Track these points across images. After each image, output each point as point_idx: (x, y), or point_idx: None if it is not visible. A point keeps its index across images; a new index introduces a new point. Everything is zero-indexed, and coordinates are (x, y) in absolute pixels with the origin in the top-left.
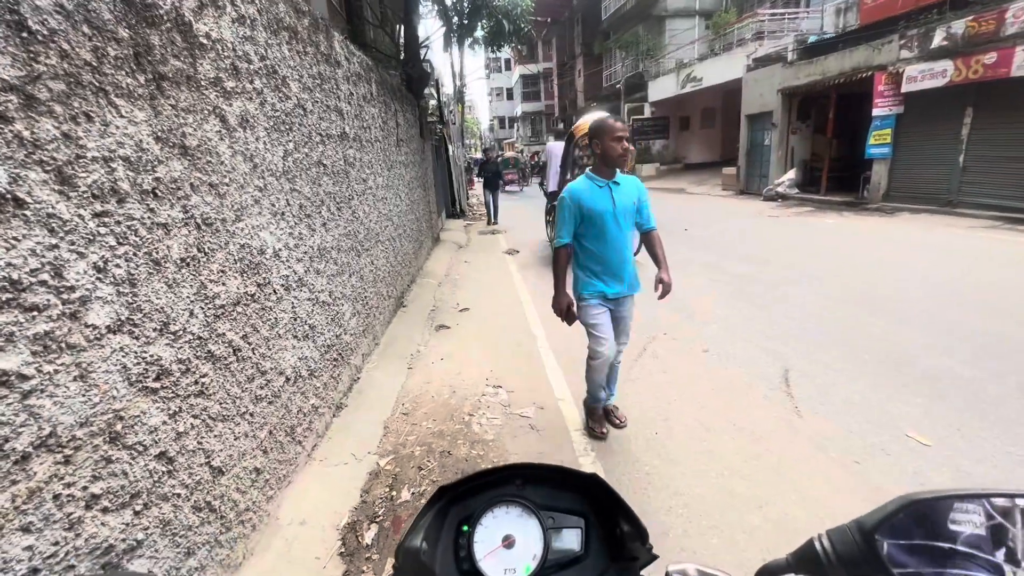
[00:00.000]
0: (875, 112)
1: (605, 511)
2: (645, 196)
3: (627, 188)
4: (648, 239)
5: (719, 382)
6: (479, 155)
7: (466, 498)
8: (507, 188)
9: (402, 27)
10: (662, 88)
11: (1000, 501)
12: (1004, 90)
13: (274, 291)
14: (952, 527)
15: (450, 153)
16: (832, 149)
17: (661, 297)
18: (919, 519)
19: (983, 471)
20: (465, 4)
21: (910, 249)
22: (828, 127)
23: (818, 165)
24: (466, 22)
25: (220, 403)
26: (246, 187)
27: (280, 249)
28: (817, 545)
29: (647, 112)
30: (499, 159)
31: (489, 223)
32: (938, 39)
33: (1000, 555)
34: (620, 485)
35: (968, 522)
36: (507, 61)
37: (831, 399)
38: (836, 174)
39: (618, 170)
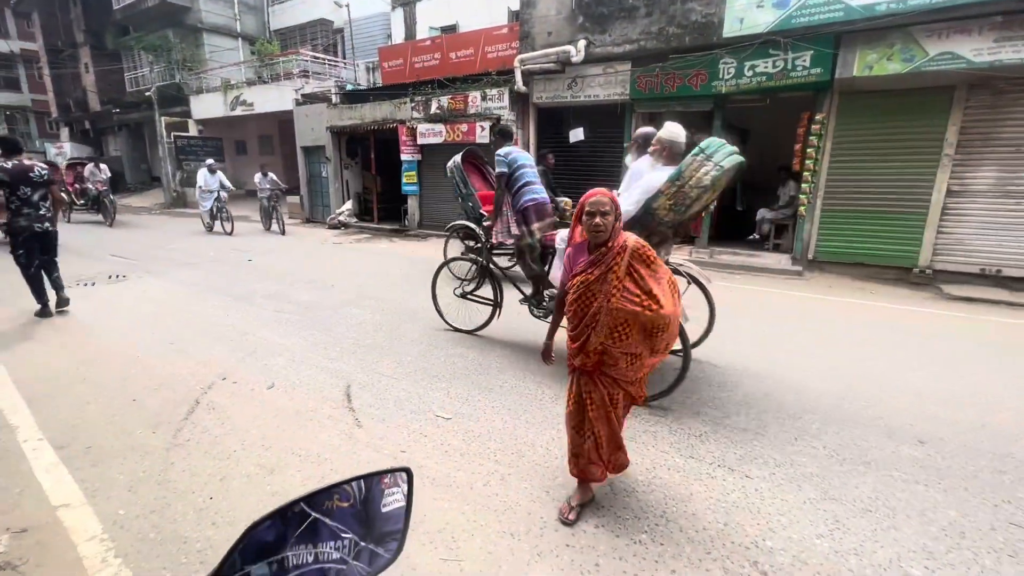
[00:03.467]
0: (403, 157)
1: None
2: None
3: None
4: None
5: (285, 416)
6: None
7: None
8: None
9: None
10: (208, 106)
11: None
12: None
13: None
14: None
15: None
16: (378, 184)
17: None
18: (258, 542)
19: (482, 427)
20: None
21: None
22: (372, 165)
23: (369, 197)
24: None
25: None
26: None
27: None
28: None
29: (193, 130)
30: None
31: None
32: (434, 107)
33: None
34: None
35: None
36: None
37: (385, 403)
38: (384, 205)
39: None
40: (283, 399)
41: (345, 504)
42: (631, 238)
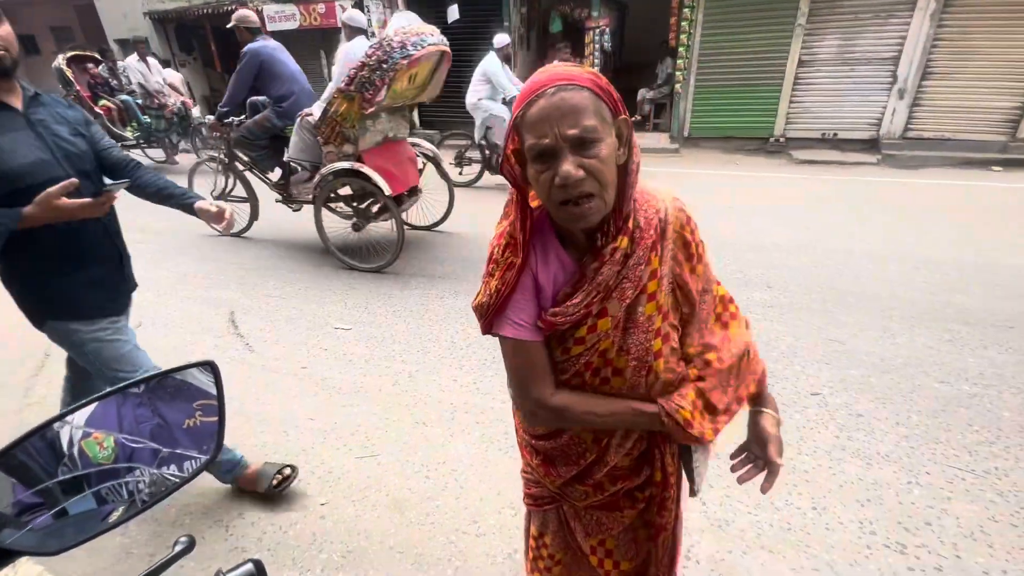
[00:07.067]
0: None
1: None
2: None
3: None
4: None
5: (161, 353)
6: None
7: None
8: None
9: None
10: None
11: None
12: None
13: None
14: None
15: None
16: (228, 84)
17: None
18: (21, 467)
19: (384, 332)
20: None
21: None
22: (215, 61)
23: (219, 101)
24: None
25: None
26: None
27: None
28: None
29: None
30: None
31: None
32: None
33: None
34: None
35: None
36: None
37: (276, 323)
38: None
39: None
40: (156, 337)
41: (141, 410)
42: (667, 200)
